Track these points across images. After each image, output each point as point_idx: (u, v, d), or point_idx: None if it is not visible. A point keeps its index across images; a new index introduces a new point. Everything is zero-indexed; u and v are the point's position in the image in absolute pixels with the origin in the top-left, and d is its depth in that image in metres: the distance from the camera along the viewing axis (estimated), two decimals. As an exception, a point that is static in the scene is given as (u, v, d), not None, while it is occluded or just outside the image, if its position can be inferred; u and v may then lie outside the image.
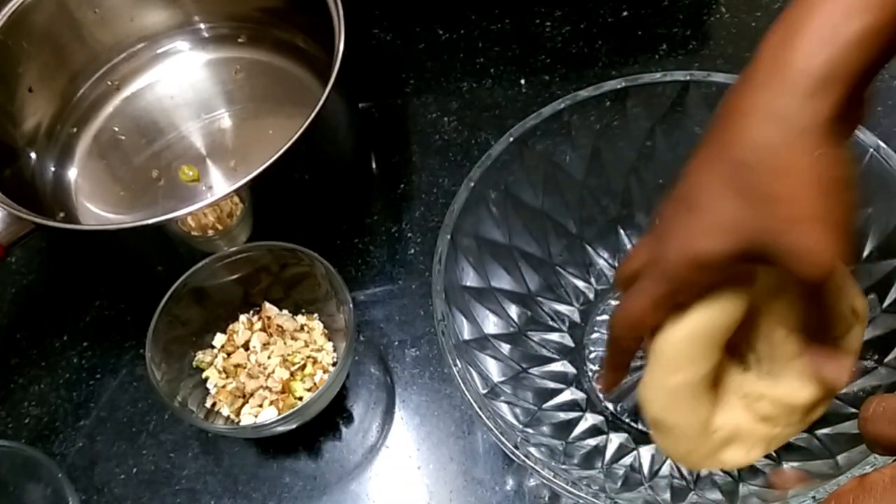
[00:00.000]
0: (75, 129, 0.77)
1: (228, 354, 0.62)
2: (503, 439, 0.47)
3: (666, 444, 0.46)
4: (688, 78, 0.56)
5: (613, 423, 0.57)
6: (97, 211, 0.73)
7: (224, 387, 0.61)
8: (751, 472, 0.51)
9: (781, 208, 0.37)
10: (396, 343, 0.65)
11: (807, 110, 0.36)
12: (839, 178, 0.37)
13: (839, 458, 0.49)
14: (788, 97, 0.36)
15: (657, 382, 0.45)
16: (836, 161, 0.37)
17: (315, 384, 0.60)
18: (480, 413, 0.48)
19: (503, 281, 0.58)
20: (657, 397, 0.45)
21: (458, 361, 0.49)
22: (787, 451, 0.50)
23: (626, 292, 0.45)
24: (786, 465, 0.51)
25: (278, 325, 0.62)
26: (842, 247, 0.37)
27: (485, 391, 0.51)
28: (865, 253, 0.55)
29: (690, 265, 0.40)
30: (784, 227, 0.37)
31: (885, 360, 0.52)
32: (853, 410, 0.51)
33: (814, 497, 0.44)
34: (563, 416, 0.55)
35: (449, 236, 0.53)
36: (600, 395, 0.59)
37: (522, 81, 0.77)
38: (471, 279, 0.56)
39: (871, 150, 0.52)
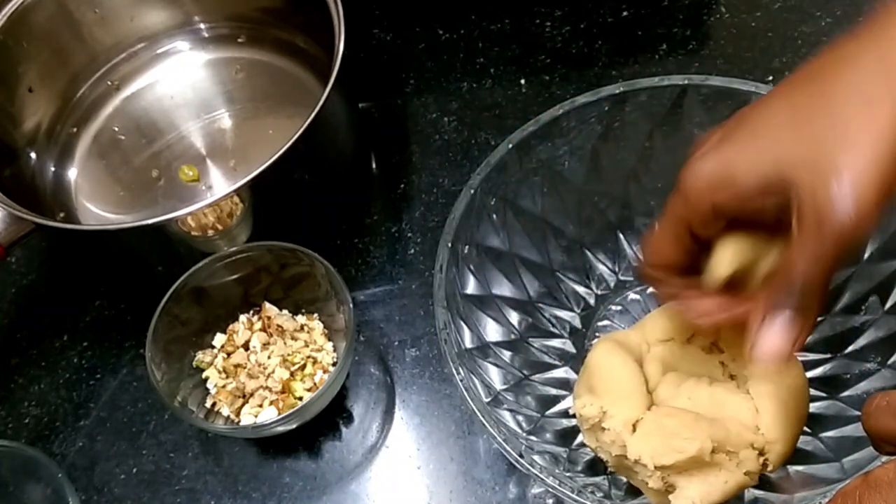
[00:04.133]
0: (75, 129, 0.77)
1: (228, 354, 0.62)
2: (508, 448, 0.47)
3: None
4: (686, 82, 0.56)
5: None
6: (97, 211, 0.73)
7: (224, 387, 0.61)
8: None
9: (848, 151, 0.35)
10: (396, 343, 0.65)
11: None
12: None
13: (845, 461, 0.49)
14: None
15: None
16: None
17: (315, 384, 0.60)
18: (484, 422, 0.48)
19: (503, 288, 0.58)
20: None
21: (461, 370, 0.49)
22: (792, 455, 0.50)
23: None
24: (791, 469, 0.51)
25: (278, 325, 0.62)
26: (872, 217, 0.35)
27: (488, 399, 0.51)
28: (866, 255, 0.55)
29: (713, 185, 0.39)
30: (838, 169, 0.35)
31: (889, 362, 0.52)
32: (858, 413, 0.51)
33: (820, 503, 0.44)
34: (566, 422, 0.55)
35: (449, 244, 0.53)
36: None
37: (522, 81, 0.77)
38: (471, 287, 0.56)
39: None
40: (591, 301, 0.62)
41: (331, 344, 0.63)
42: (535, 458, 0.47)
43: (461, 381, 0.49)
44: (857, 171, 0.35)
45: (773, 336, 0.39)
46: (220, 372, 0.61)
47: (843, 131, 0.35)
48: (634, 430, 0.47)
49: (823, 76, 0.38)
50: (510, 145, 0.56)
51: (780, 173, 0.37)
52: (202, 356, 0.62)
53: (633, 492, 0.51)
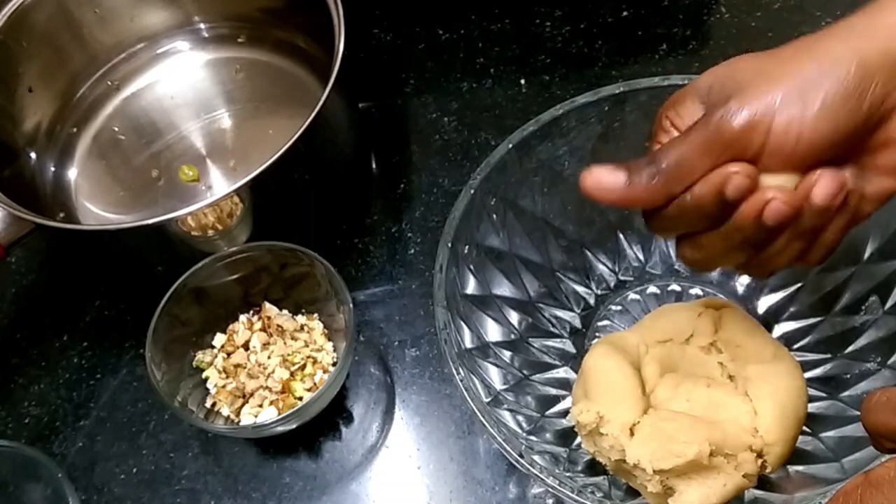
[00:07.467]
0: (75, 129, 0.77)
1: (228, 354, 0.62)
2: (508, 448, 0.47)
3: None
4: (686, 82, 0.56)
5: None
6: (97, 211, 0.73)
7: (224, 387, 0.61)
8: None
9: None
10: (396, 343, 0.65)
11: None
12: None
13: (845, 461, 0.48)
14: None
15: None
16: None
17: (315, 384, 0.60)
18: (485, 422, 0.48)
19: (503, 288, 0.58)
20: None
21: (461, 370, 0.49)
22: (792, 455, 0.50)
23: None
24: (791, 469, 0.51)
25: (278, 325, 0.62)
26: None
27: (488, 399, 0.51)
28: (866, 255, 0.55)
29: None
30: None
31: (889, 362, 0.52)
32: (858, 413, 0.51)
33: (820, 503, 0.44)
34: (566, 422, 0.55)
35: (449, 244, 0.53)
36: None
37: (522, 81, 0.77)
38: (471, 287, 0.56)
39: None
40: (591, 301, 0.62)
41: (331, 344, 0.63)
42: (535, 458, 0.47)
43: (461, 381, 0.49)
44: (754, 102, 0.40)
45: (614, 172, 0.44)
46: (220, 372, 0.61)
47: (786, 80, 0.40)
48: (632, 433, 0.47)
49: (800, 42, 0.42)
50: (510, 145, 0.56)
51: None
52: (202, 356, 0.62)
53: (633, 492, 0.51)
